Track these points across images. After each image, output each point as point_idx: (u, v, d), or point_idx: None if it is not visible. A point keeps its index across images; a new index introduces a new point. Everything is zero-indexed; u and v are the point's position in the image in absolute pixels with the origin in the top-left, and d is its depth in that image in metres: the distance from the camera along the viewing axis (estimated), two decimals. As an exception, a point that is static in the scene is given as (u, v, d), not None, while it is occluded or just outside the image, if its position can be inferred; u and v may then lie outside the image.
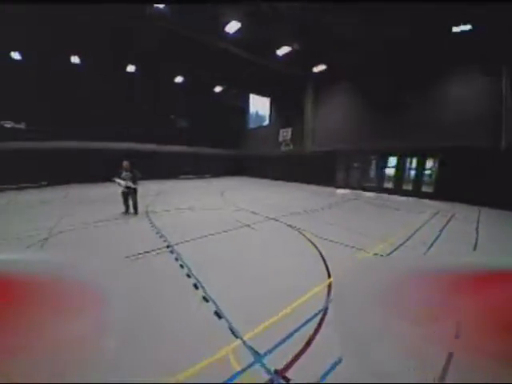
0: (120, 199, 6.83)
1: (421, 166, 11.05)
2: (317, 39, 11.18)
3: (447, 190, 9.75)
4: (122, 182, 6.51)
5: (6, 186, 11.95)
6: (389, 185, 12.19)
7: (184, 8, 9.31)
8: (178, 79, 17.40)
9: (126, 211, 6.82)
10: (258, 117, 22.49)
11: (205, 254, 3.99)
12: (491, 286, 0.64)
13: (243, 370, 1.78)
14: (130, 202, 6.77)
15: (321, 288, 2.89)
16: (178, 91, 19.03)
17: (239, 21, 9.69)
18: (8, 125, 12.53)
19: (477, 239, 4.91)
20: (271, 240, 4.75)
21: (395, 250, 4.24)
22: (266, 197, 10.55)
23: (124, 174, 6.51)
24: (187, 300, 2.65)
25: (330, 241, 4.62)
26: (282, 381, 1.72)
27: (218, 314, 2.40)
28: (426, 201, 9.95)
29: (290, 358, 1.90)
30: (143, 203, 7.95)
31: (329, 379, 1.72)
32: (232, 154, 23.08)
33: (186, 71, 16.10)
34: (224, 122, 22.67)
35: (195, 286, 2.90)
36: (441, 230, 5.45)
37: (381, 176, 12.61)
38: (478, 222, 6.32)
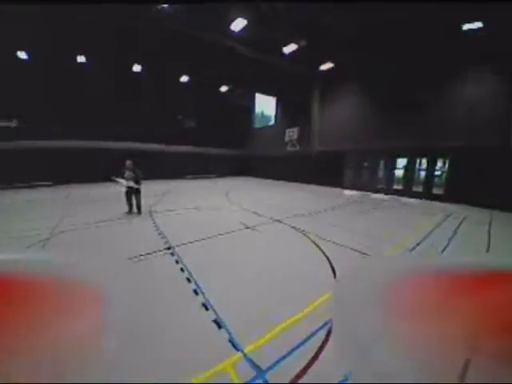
0: (123, 199, 6.79)
1: (431, 167, 10.71)
2: (323, 37, 10.96)
3: (458, 191, 9.48)
4: (124, 182, 6.47)
5: (6, 186, 12.09)
6: (398, 186, 11.86)
7: (189, 7, 9.24)
8: (184, 79, 17.38)
9: (130, 211, 6.77)
10: (264, 117, 22.31)
11: (206, 256, 3.85)
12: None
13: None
14: (134, 202, 6.73)
15: (328, 297, 2.71)
16: (184, 91, 19.04)
17: (245, 18, 9.55)
18: (13, 124, 12.61)
19: (489, 242, 4.76)
20: (275, 243, 4.58)
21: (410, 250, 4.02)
22: (271, 197, 10.38)
23: (127, 173, 6.46)
24: (185, 307, 2.51)
25: (337, 244, 4.42)
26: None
27: (218, 323, 2.25)
28: (437, 203, 9.64)
29: (294, 374, 1.74)
30: (147, 203, 7.90)
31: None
32: (237, 154, 22.99)
33: (192, 71, 16.08)
34: (229, 122, 22.59)
35: (195, 292, 2.75)
36: (454, 231, 5.18)
37: (390, 177, 12.27)
38: (489, 225, 6.14)
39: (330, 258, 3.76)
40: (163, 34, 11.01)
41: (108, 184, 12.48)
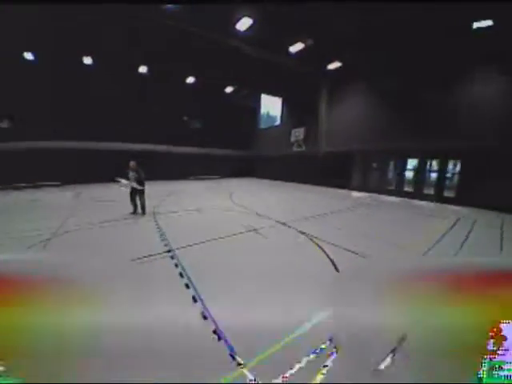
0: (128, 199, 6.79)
1: (442, 169, 10.36)
2: (331, 36, 10.75)
3: (470, 194, 9.17)
4: (125, 182, 6.48)
5: (8, 185, 12.24)
6: (408, 188, 11.50)
7: (194, 7, 9.20)
8: (190, 80, 17.41)
9: (134, 211, 6.76)
10: (269, 117, 22.17)
11: (207, 260, 3.73)
12: None
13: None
14: (138, 202, 6.71)
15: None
16: (189, 92, 19.08)
17: (250, 17, 9.44)
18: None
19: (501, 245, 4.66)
20: (279, 247, 4.42)
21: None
22: (276, 199, 10.22)
23: (130, 174, 6.47)
24: (183, 316, 2.38)
25: (344, 249, 4.23)
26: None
27: (218, 335, 2.12)
28: (449, 206, 9.30)
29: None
30: (151, 204, 7.87)
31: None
32: (243, 154, 22.89)
33: (198, 71, 16.06)
34: (235, 123, 22.52)
35: (193, 299, 2.62)
36: (466, 236, 4.92)
37: (399, 179, 11.92)
38: (501, 229, 5.99)
39: (335, 261, 3.58)
40: (168, 35, 11.01)
41: (114, 184, 12.59)
